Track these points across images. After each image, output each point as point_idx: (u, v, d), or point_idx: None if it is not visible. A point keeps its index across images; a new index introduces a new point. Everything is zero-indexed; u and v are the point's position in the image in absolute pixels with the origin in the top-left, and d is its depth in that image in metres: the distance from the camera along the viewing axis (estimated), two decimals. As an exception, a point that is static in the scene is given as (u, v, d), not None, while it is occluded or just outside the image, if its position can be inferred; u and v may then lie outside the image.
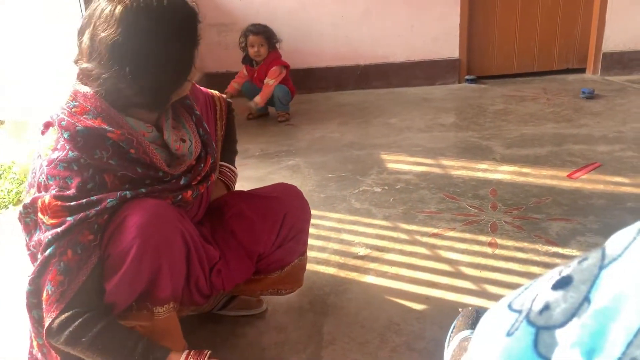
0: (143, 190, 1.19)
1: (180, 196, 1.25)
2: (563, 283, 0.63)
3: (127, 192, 1.16)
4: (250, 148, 3.14)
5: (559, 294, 0.62)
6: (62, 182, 1.14)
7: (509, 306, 0.67)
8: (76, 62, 1.18)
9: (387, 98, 4.16)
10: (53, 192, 1.13)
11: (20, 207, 1.17)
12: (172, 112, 1.33)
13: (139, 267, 1.14)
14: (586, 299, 0.59)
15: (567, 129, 3.20)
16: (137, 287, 1.16)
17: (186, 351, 1.17)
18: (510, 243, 1.96)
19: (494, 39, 4.53)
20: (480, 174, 2.59)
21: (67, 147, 1.15)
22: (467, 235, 2.03)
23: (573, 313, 0.58)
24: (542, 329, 0.60)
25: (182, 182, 1.26)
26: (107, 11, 1.11)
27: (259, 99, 3.63)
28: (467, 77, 4.47)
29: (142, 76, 1.14)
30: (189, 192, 1.28)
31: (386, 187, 2.50)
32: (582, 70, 4.60)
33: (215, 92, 1.59)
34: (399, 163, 2.80)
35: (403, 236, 2.05)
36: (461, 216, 2.18)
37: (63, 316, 1.11)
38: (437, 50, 4.43)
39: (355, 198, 2.41)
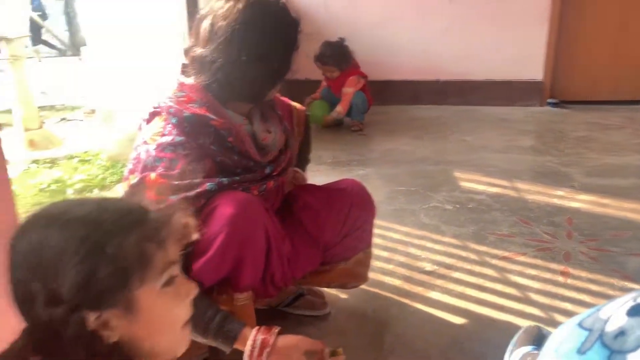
0: (237, 178, 1.28)
1: (265, 185, 1.35)
2: (638, 310, 0.64)
3: (224, 179, 1.26)
4: (323, 155, 3.19)
5: (634, 320, 0.63)
6: (168, 163, 1.24)
7: (580, 324, 0.69)
8: (189, 49, 1.29)
9: (464, 115, 4.11)
10: (159, 171, 1.23)
11: (125, 189, 1.28)
12: (261, 108, 1.42)
13: (223, 255, 1.22)
14: None
15: (654, 162, 3.04)
16: (220, 272, 1.25)
17: (257, 327, 1.22)
18: (583, 274, 1.90)
19: (581, 63, 4.37)
20: (556, 201, 2.52)
21: (175, 132, 1.26)
22: (539, 262, 1.98)
23: None
24: (615, 352, 0.62)
25: (267, 171, 1.35)
26: (229, 4, 1.23)
27: (340, 109, 3.70)
28: (549, 100, 4.34)
29: (253, 66, 1.24)
30: (271, 182, 1.37)
31: (457, 205, 2.48)
32: (675, 102, 4.35)
33: (295, 103, 1.66)
34: (473, 182, 2.77)
35: (472, 256, 2.03)
36: (534, 242, 2.13)
37: None
38: (519, 71, 4.33)
39: (424, 213, 2.40)
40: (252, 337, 1.19)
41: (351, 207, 1.52)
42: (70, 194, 2.78)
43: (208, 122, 1.26)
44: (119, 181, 2.84)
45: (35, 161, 3.28)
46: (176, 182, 1.22)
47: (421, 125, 3.88)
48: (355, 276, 1.63)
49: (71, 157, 3.32)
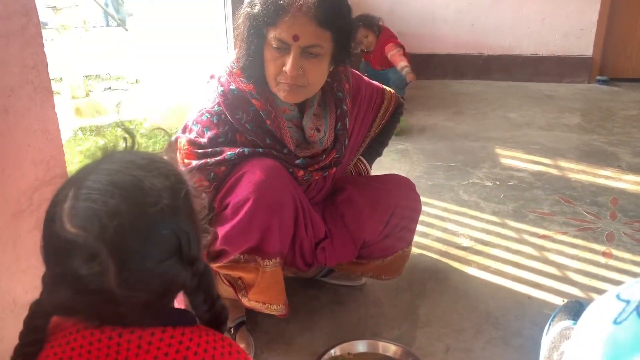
0: (260, 150, 1.29)
1: (291, 170, 1.33)
2: None
3: (246, 149, 1.28)
4: (362, 128, 3.17)
5: None
6: (201, 130, 1.29)
7: (618, 296, 0.68)
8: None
9: (508, 91, 4.01)
10: (191, 136, 1.28)
11: (166, 145, 1.32)
12: (321, 99, 1.40)
13: (251, 221, 1.22)
14: None
15: None
16: (248, 239, 1.24)
17: None
18: (626, 255, 1.85)
19: (634, 39, 4.18)
20: (601, 181, 2.45)
21: (216, 102, 1.29)
22: (580, 242, 1.94)
23: None
24: None
25: (297, 161, 1.34)
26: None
27: (405, 64, 3.41)
28: (598, 77, 4.19)
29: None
30: (301, 172, 1.35)
31: (497, 182, 2.44)
32: None
33: (390, 90, 1.60)
34: (514, 159, 2.72)
35: (510, 233, 2.01)
36: (575, 221, 2.08)
37: None
38: (568, 47, 4.19)
39: (463, 189, 2.38)
40: None
41: (395, 209, 1.47)
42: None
43: (249, 100, 1.29)
44: (161, 148, 2.91)
45: (82, 128, 3.38)
46: (200, 151, 1.27)
47: (463, 100, 3.81)
48: (390, 271, 1.58)
49: (116, 125, 3.40)
